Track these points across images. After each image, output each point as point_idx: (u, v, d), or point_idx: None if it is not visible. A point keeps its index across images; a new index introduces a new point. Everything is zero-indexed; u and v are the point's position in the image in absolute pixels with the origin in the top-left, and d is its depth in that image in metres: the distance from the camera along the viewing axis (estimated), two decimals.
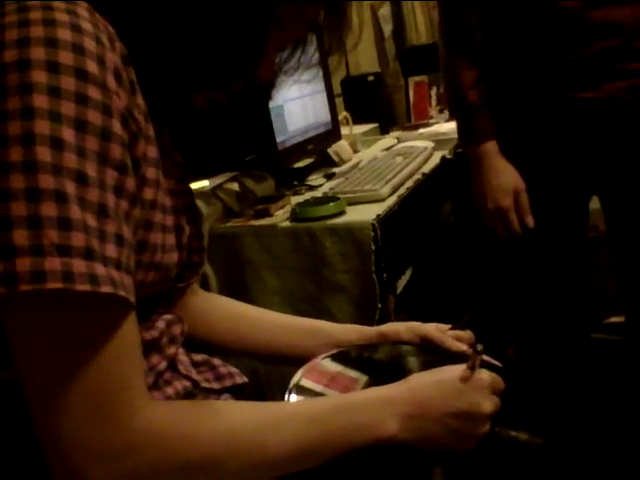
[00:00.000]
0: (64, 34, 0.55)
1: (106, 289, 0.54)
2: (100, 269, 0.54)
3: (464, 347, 0.86)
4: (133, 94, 0.62)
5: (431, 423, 0.68)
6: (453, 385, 0.70)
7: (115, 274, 0.55)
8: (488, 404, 0.69)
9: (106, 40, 0.58)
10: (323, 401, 0.73)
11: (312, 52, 0.75)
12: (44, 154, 0.53)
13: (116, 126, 0.58)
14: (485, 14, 1.43)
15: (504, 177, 1.46)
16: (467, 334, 0.89)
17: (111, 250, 0.55)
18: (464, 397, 0.69)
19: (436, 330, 0.89)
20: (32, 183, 0.52)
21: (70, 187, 0.53)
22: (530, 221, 1.47)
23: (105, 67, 0.57)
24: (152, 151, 0.65)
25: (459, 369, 0.71)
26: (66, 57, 0.55)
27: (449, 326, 0.91)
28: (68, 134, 0.54)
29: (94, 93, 0.56)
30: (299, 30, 0.71)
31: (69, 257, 0.52)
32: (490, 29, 1.43)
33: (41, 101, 0.53)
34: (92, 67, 0.56)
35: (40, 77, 0.53)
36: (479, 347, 0.70)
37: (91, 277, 0.53)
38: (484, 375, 0.71)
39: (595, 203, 1.53)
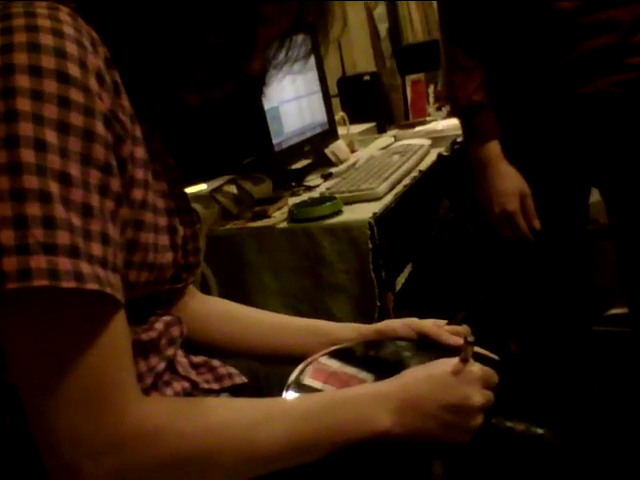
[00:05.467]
0: (46, 39, 0.56)
1: (92, 286, 0.54)
2: (85, 267, 0.54)
3: (461, 341, 0.86)
4: (117, 96, 0.62)
5: (424, 417, 0.68)
6: (444, 379, 0.70)
7: (101, 272, 0.55)
8: (479, 397, 0.70)
9: (88, 44, 0.59)
10: (315, 397, 0.73)
11: (300, 44, 0.75)
12: (28, 156, 0.53)
13: (99, 127, 0.58)
14: (484, 14, 1.43)
15: (510, 181, 1.45)
16: (464, 329, 0.90)
17: (96, 249, 0.56)
18: (455, 390, 0.69)
19: (433, 325, 0.89)
20: (17, 184, 0.53)
21: (54, 187, 0.54)
22: (537, 224, 1.46)
23: (87, 70, 0.58)
24: (140, 152, 0.66)
25: (452, 362, 0.71)
26: (48, 61, 0.55)
27: (446, 321, 0.91)
28: (51, 136, 0.55)
29: (76, 95, 0.56)
30: (283, 23, 0.71)
31: (54, 255, 0.53)
32: (488, 28, 1.43)
33: (24, 104, 0.54)
34: (74, 70, 0.57)
35: (23, 81, 0.54)
36: (470, 338, 0.70)
37: (76, 274, 0.53)
38: (475, 368, 0.72)
39: (595, 196, 1.53)
